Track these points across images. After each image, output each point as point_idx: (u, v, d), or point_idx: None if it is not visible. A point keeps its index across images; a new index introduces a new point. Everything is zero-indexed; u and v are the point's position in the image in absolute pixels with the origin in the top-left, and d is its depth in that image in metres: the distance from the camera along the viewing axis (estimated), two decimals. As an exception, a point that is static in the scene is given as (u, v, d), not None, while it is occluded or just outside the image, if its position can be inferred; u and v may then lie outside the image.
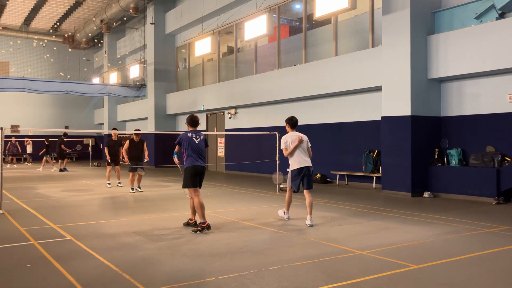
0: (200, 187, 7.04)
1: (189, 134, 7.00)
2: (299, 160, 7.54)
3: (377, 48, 12.82)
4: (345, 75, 13.68)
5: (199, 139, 7.00)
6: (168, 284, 4.29)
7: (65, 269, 4.81)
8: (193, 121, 7.16)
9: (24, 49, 30.38)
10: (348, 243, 6.01)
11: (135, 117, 28.08)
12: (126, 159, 12.15)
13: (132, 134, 12.32)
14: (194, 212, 7.15)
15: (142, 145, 12.19)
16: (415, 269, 4.82)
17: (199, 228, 6.74)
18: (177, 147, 7.13)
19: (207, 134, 21.46)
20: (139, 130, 12.39)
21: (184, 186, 6.99)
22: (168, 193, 12.18)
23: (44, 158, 22.59)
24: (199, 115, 22.36)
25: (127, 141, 12.15)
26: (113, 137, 12.93)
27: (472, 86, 11.22)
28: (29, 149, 26.71)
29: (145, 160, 12.34)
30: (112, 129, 13.06)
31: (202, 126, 22.32)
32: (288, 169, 7.73)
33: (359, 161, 13.81)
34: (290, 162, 7.65)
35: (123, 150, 12.22)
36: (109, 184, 12.98)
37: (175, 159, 7.31)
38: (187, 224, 7.20)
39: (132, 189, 12.14)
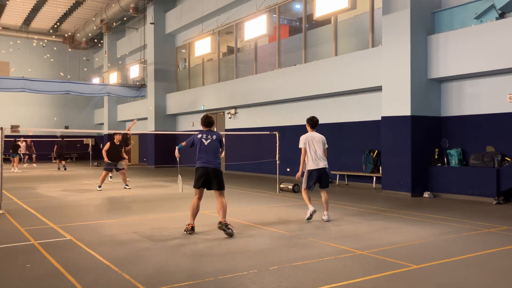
0: (218, 189, 6.72)
1: (199, 135, 6.83)
2: (316, 162, 7.72)
3: (377, 48, 12.81)
4: (345, 75, 13.68)
5: (209, 140, 6.79)
6: (168, 284, 4.29)
7: (65, 269, 4.81)
8: (206, 121, 6.92)
9: (24, 49, 30.36)
10: (348, 243, 6.01)
11: (135, 117, 28.02)
12: (105, 159, 12.70)
13: (116, 133, 13.09)
14: (224, 214, 6.78)
15: (121, 148, 12.93)
16: (415, 269, 4.82)
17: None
18: (184, 143, 6.98)
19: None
20: (119, 133, 13.05)
21: (194, 186, 6.82)
22: (168, 193, 12.18)
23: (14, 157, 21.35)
24: (198, 115, 22.38)
25: (108, 143, 12.86)
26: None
27: (472, 86, 11.22)
28: (23, 149, 25.96)
29: (124, 159, 13.13)
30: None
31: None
32: (305, 169, 7.86)
33: (359, 161, 13.81)
34: (306, 162, 7.81)
35: (103, 151, 12.76)
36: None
37: (176, 152, 7.07)
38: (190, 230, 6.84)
39: (100, 186, 12.68)
